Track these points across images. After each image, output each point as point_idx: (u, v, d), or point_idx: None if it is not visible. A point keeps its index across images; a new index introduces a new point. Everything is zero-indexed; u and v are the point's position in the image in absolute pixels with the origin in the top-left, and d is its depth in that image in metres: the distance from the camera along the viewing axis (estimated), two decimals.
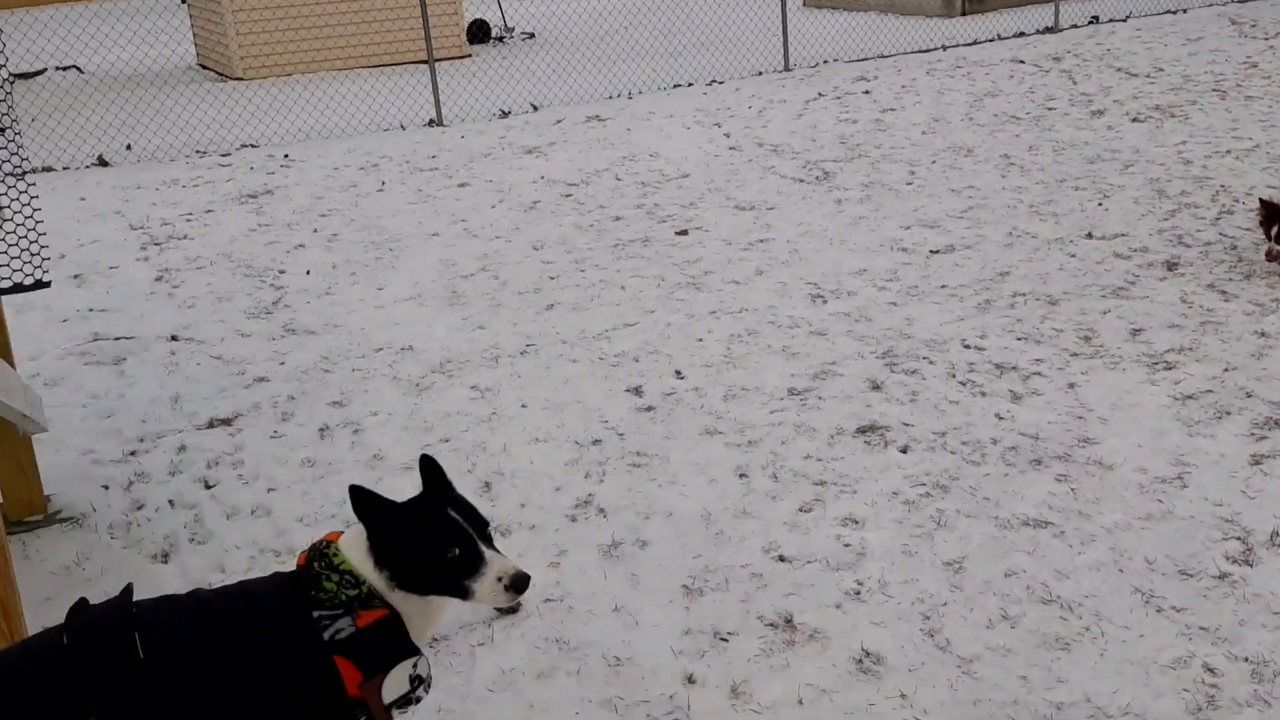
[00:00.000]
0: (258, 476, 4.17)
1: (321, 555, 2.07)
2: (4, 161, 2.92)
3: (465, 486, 3.96)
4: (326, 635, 1.97)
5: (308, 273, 6.50)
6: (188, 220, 7.74)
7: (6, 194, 2.86)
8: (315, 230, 7.34)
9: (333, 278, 6.40)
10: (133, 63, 15.32)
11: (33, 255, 2.48)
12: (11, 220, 2.74)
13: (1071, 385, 4.42)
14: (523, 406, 4.62)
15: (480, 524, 2.13)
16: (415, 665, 2.03)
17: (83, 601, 2.03)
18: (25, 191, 2.85)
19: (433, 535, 2.05)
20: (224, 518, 3.89)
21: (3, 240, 2.40)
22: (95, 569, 3.58)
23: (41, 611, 3.32)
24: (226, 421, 4.64)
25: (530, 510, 3.81)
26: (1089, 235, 6.11)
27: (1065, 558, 3.32)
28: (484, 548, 2.08)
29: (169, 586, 3.48)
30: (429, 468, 2.19)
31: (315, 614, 1.99)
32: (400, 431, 4.46)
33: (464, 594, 2.06)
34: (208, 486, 4.12)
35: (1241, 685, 2.77)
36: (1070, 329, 4.94)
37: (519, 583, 2.06)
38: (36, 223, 2.84)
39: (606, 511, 3.76)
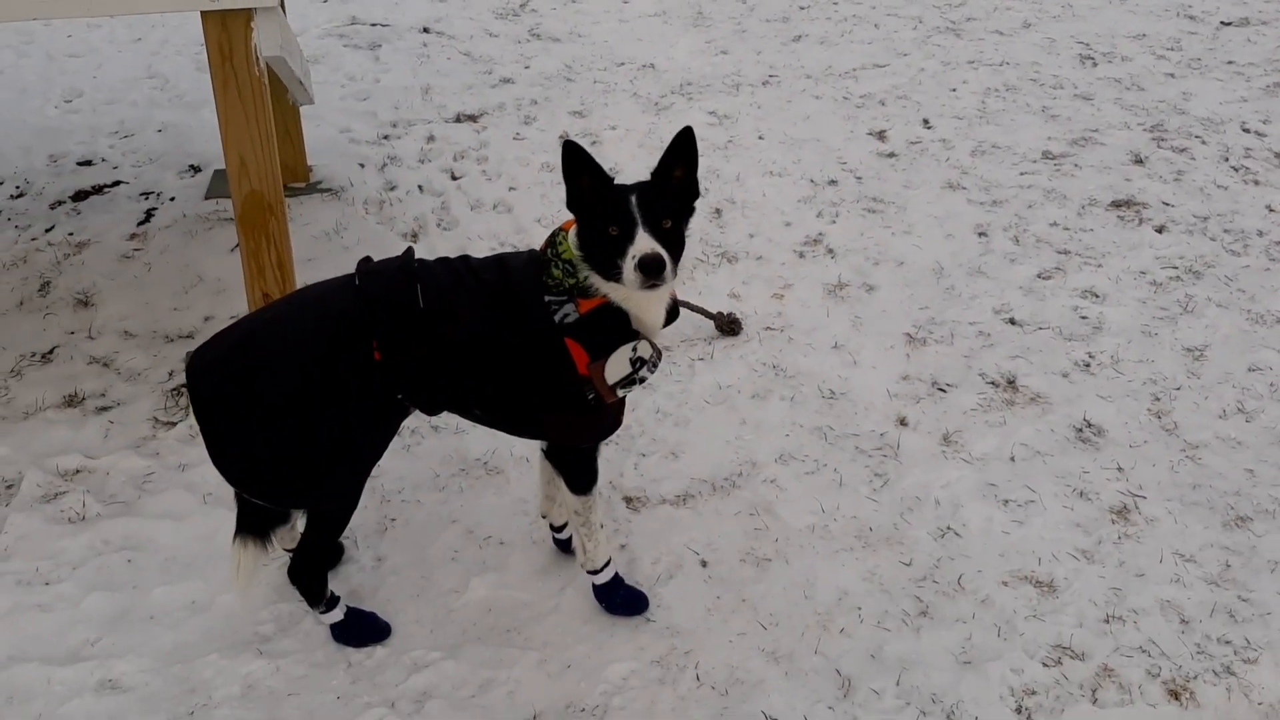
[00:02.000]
0: (500, 174, 4.30)
1: (553, 242, 2.12)
2: None
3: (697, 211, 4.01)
4: (557, 319, 2.07)
5: None
6: None
7: None
8: None
9: None
10: None
11: None
12: None
13: None
14: (760, 138, 4.55)
15: (656, 214, 2.00)
16: (635, 349, 2.09)
17: (368, 257, 2.20)
18: None
19: (603, 211, 2.01)
20: (468, 208, 4.06)
21: None
22: (352, 238, 3.82)
23: (304, 270, 3.60)
24: (473, 118, 4.75)
25: (758, 241, 3.82)
26: None
27: None
28: (642, 230, 1.98)
29: None
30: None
31: (546, 299, 2.08)
32: (636, 149, 4.48)
33: (619, 275, 1.99)
34: (454, 178, 4.28)
35: None
36: None
37: (644, 262, 1.94)
38: None
39: (836, 252, 3.74)
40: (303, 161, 4.18)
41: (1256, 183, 4.10)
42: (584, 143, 4.50)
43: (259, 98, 2.70)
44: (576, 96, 4.95)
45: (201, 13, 2.60)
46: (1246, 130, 4.50)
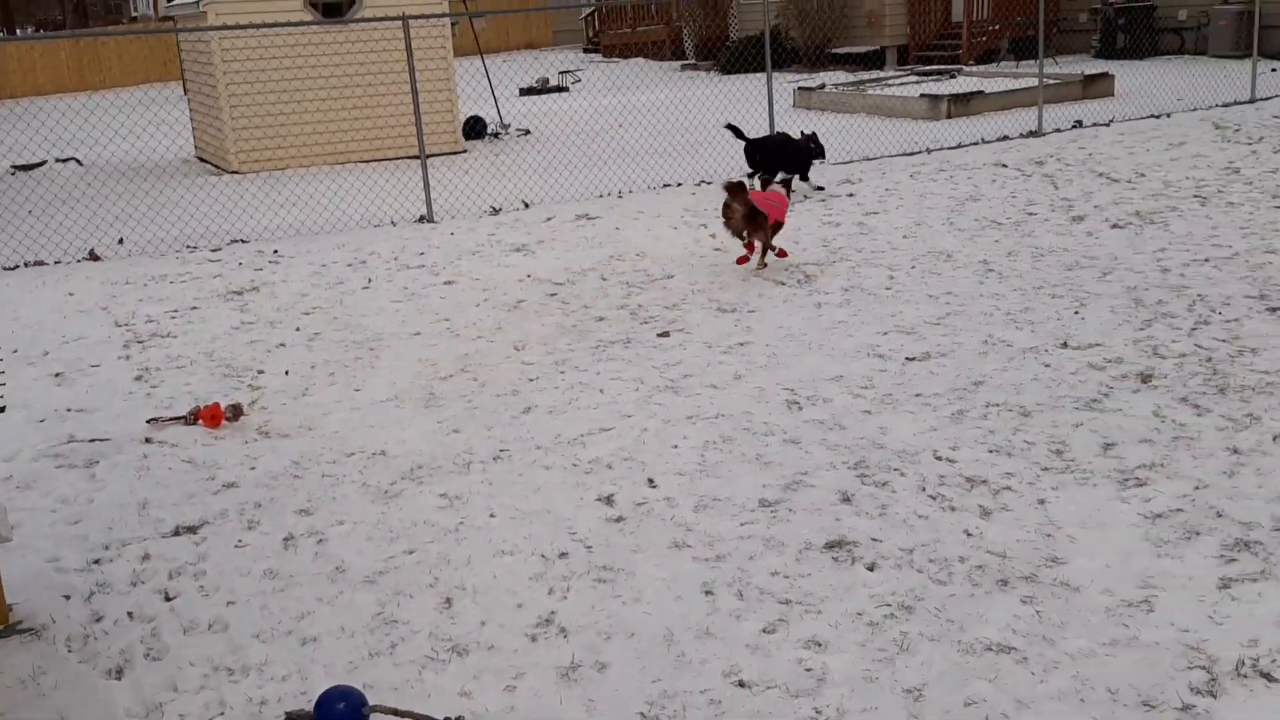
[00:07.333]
0: (218, 588, 4.12)
1: None
2: None
3: (425, 603, 3.94)
4: None
5: (286, 373, 6.52)
6: (172, 317, 7.78)
7: None
8: (298, 329, 7.38)
9: (311, 378, 6.41)
10: (131, 154, 15.55)
11: None
12: None
13: (1041, 501, 4.40)
14: (491, 516, 4.59)
15: None
16: None
17: None
18: None
19: None
20: (181, 632, 3.84)
21: None
22: (50, 683, 3.52)
23: None
24: (192, 529, 4.60)
25: (490, 628, 3.76)
26: (1064, 345, 6.14)
27: (1027, 686, 3.27)
28: None
29: (121, 705, 3.43)
30: None
31: None
32: (364, 542, 4.42)
33: None
34: (168, 598, 4.07)
35: None
36: (1042, 442, 4.94)
37: None
38: None
39: (568, 631, 3.72)
40: (1, 603, 3.88)
41: (953, 509, 4.40)
42: (309, 543, 4.43)
43: None
44: (304, 493, 4.90)
45: None
46: (939, 458, 4.87)
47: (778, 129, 12.21)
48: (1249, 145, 11.40)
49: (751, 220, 7.90)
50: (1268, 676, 3.24)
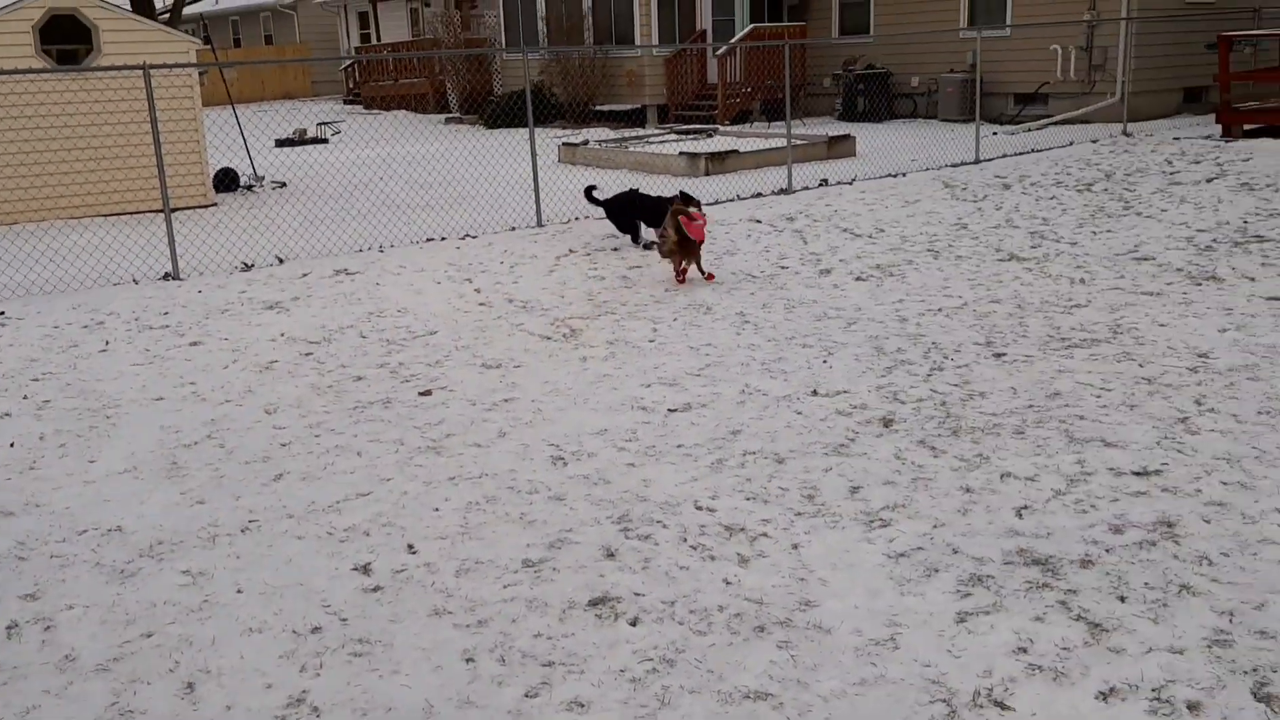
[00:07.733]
0: None
1: None
2: None
3: (164, 690, 3.68)
4: None
5: (11, 445, 6.00)
6: None
7: None
8: (25, 397, 6.82)
9: (39, 450, 5.93)
10: None
11: None
12: None
13: (795, 546, 4.55)
14: (239, 592, 4.34)
15: None
16: None
17: None
18: None
19: None
20: None
21: None
22: None
23: None
24: None
25: (236, 713, 3.54)
26: (814, 392, 6.41)
27: None
28: None
29: None
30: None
31: None
32: (98, 626, 4.09)
33: None
34: None
35: None
36: (795, 488, 5.11)
37: None
38: None
39: (320, 710, 3.54)
40: None
41: (713, 558, 4.48)
42: (36, 630, 4.06)
43: None
44: (30, 577, 4.50)
45: None
46: (699, 508, 4.96)
47: (543, 183, 12.33)
48: (975, 203, 12.33)
49: (683, 246, 9.09)
50: (1001, 705, 3.43)
